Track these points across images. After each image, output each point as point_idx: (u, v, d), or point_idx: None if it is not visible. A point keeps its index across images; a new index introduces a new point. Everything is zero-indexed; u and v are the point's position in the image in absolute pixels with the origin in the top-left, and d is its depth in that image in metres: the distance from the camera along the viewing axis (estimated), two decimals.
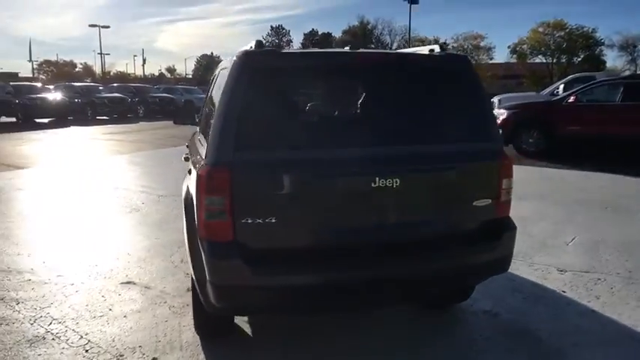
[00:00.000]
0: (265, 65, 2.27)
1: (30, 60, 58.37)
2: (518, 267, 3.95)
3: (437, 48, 2.61)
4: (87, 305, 3.29)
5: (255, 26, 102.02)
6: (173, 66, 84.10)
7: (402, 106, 2.46)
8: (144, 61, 74.03)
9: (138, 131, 16.11)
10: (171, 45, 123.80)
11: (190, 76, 73.55)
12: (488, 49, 49.71)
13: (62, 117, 18.55)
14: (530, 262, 4.10)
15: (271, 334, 2.96)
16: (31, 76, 55.97)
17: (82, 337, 2.89)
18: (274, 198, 2.20)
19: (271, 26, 70.65)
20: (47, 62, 70.99)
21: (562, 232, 4.91)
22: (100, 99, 21.50)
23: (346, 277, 2.25)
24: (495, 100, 13.01)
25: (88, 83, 31.54)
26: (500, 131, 9.64)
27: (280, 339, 2.89)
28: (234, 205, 2.13)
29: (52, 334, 2.92)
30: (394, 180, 2.24)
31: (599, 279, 3.73)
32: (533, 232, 4.91)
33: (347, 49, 2.63)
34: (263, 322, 3.07)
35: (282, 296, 2.21)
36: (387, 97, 2.48)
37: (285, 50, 2.64)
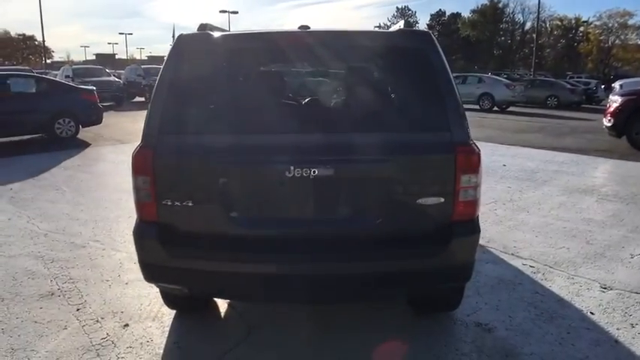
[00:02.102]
0: (195, 49, 2.23)
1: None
2: (554, 278, 3.39)
3: (402, 25, 2.28)
4: (103, 270, 3.65)
5: (383, 8, 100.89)
6: None
7: (341, 90, 2.21)
8: None
9: None
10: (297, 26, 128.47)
11: None
12: (639, 28, 42.47)
13: None
14: (572, 273, 3.47)
15: (241, 317, 2.96)
16: None
17: (81, 297, 3.21)
18: (192, 182, 2.18)
19: (397, 7, 69.29)
20: None
21: (634, 242, 4.06)
22: None
23: (256, 267, 2.14)
24: (617, 85, 11.11)
25: None
26: (611, 121, 8.37)
27: (247, 322, 2.89)
28: (157, 186, 2.16)
29: (61, 291, 3.29)
30: (311, 170, 2.05)
31: None
32: (596, 239, 4.14)
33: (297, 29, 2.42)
34: (244, 304, 3.10)
35: (198, 279, 2.19)
36: (325, 81, 2.24)
37: (222, 33, 2.44)
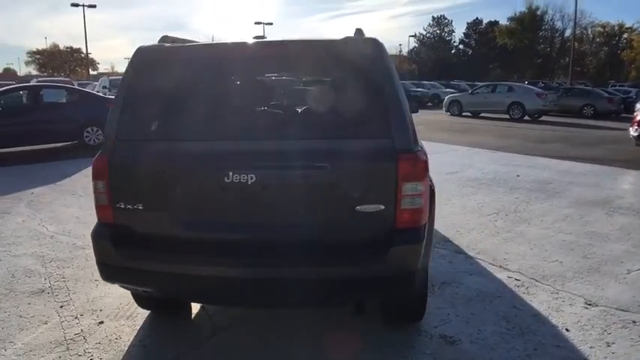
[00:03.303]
0: (149, 61, 2.36)
1: None
2: (538, 292, 3.27)
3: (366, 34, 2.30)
4: (94, 270, 3.80)
5: (420, 18, 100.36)
6: None
7: (286, 97, 2.24)
8: None
9: None
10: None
11: None
12: None
13: None
14: (558, 288, 3.34)
15: (211, 318, 3.03)
16: None
17: (68, 295, 3.37)
18: (141, 187, 2.29)
19: (432, 17, 68.73)
20: None
21: (635, 257, 3.85)
22: None
23: (197, 270, 2.19)
24: None
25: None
26: (637, 130, 8.02)
27: (216, 323, 2.95)
28: (111, 190, 2.29)
29: (51, 289, 3.47)
30: (249, 176, 2.10)
31: (634, 322, 2.85)
32: (595, 253, 3.97)
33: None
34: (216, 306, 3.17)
35: (148, 280, 2.28)
36: (273, 89, 2.27)
37: (176, 45, 2.53)
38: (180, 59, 2.41)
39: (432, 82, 34.66)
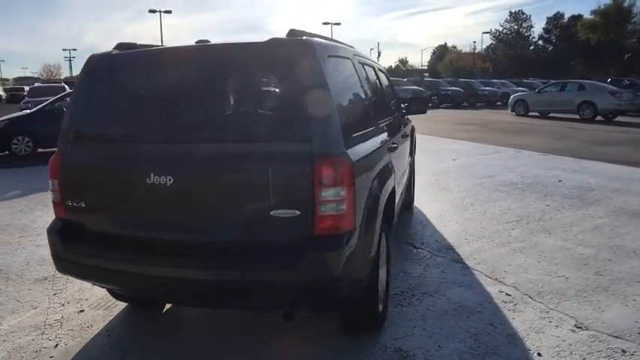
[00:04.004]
0: (98, 67, 2.50)
1: None
2: (526, 310, 3.00)
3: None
4: None
5: (499, 13, 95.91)
6: (405, 58, 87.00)
7: (208, 101, 2.25)
8: (379, 54, 78.48)
9: None
10: (414, 37, 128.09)
11: (426, 67, 74.59)
12: None
13: None
14: (551, 306, 3.02)
15: (179, 312, 3.11)
16: None
17: (65, 284, 3.60)
18: (84, 186, 2.43)
19: (510, 12, 65.22)
20: None
21: None
22: None
23: (123, 266, 2.26)
24: None
25: None
26: None
27: (182, 318, 3.04)
28: (62, 189, 2.46)
29: (53, 277, 3.71)
30: (167, 178, 2.15)
31: (624, 351, 2.50)
32: (611, 270, 3.56)
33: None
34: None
35: (88, 273, 2.39)
36: (197, 93, 2.29)
37: (121, 52, 2.59)
38: (122, 66, 2.51)
39: (503, 81, 32.89)
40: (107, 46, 2.52)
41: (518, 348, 2.58)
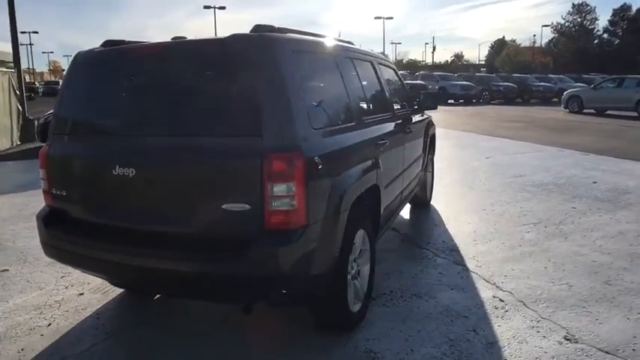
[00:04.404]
0: (80, 64, 2.62)
1: None
2: (515, 317, 2.85)
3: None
4: None
5: (563, 5, 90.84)
6: (461, 52, 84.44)
7: (167, 96, 2.32)
8: (433, 48, 76.75)
9: None
10: (472, 31, 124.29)
11: (483, 62, 72.05)
12: None
13: None
14: (544, 315, 2.84)
15: (166, 302, 3.19)
16: None
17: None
18: (63, 176, 2.59)
19: (572, 4, 61.41)
20: None
21: None
22: None
23: (91, 252, 2.39)
24: None
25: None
26: None
27: (169, 307, 3.12)
28: (48, 177, 2.63)
29: None
30: (130, 170, 2.25)
31: None
32: (623, 279, 3.31)
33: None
34: None
35: (67, 258, 2.53)
36: (158, 88, 2.37)
37: (103, 49, 2.66)
38: (98, 63, 2.61)
39: (560, 76, 31.11)
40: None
41: (493, 357, 2.45)
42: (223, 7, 46.28)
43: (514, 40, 73.48)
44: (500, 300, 3.07)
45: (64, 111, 2.65)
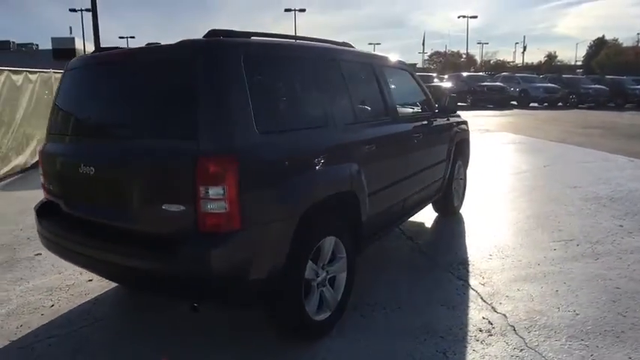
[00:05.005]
0: (70, 67, 2.87)
1: (421, 52, 67.09)
2: (496, 344, 2.64)
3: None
4: None
5: None
6: (554, 52, 78.87)
7: (119, 101, 2.49)
8: (524, 48, 72.44)
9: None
10: (570, 30, 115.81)
11: (580, 63, 66.77)
12: None
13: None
14: (532, 344, 2.58)
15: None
16: (421, 66, 64.70)
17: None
18: (51, 172, 2.84)
19: None
20: (437, 53, 74.96)
21: None
22: (481, 87, 24.68)
23: (61, 241, 2.65)
24: None
25: (472, 73, 34.91)
26: None
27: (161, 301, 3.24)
28: (43, 173, 2.94)
29: None
30: (90, 169, 2.43)
31: None
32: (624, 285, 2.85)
33: None
34: None
35: (52, 247, 2.76)
36: (112, 93, 2.54)
37: (90, 54, 2.95)
38: (79, 67, 2.82)
39: None
40: None
41: None
42: (303, 10, 47.37)
43: (616, 40, 66.87)
44: (489, 322, 2.83)
45: (55, 112, 2.94)
